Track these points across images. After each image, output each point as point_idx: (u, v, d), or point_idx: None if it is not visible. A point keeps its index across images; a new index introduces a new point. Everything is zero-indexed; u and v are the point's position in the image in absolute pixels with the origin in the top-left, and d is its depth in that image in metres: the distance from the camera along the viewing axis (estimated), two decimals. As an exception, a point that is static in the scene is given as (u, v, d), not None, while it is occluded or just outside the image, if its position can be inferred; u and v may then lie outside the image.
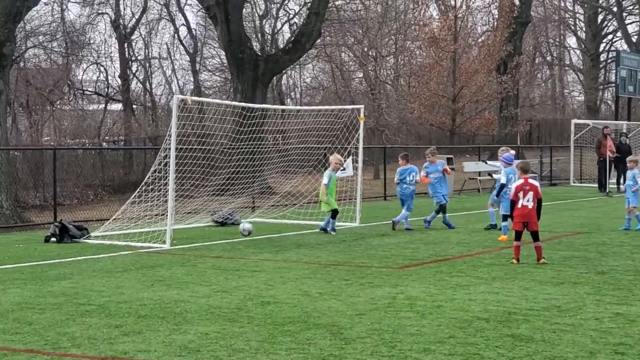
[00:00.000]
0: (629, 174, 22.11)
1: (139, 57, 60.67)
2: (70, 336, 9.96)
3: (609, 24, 76.72)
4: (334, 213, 21.19)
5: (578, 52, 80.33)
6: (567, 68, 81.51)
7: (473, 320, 10.87)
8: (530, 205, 15.68)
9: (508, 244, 18.09)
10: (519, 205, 15.73)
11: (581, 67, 77.77)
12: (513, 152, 21.02)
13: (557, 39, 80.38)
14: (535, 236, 15.86)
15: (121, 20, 57.07)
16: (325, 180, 21.14)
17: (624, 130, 43.75)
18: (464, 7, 50.78)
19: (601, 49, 75.75)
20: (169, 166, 19.21)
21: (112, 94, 57.77)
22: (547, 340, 9.82)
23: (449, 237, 20.28)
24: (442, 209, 22.30)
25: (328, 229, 21.14)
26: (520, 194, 15.75)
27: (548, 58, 79.38)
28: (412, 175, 22.20)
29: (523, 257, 16.36)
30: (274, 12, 57.91)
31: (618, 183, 37.31)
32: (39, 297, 12.44)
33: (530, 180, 15.99)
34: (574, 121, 46.43)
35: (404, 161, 22.52)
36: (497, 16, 54.74)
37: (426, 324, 10.62)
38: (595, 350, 9.37)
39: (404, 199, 22.11)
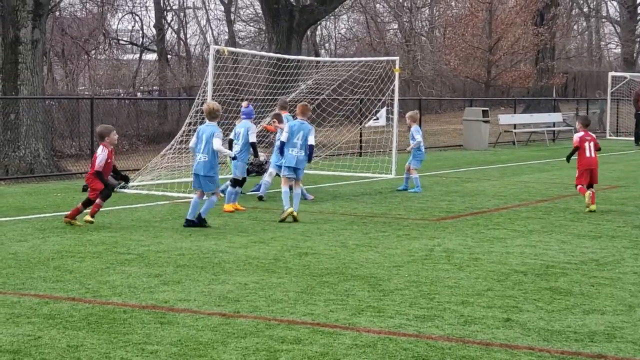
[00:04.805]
0: None
1: (174, 7, 60.52)
2: (110, 285, 10.06)
3: (647, -25, 75.53)
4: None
5: (615, 3, 79.11)
6: (603, 20, 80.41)
7: (511, 273, 10.87)
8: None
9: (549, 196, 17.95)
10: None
11: (618, 18, 76.69)
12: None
13: (594, -10, 79.30)
14: None
15: (156, -31, 56.87)
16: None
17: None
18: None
19: (639, 0, 74.65)
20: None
21: (147, 43, 57.76)
22: (585, 293, 9.81)
23: (485, 190, 20.24)
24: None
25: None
26: None
27: (585, 9, 78.34)
28: None
29: (560, 210, 16.31)
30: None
31: None
32: (79, 246, 12.55)
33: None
34: (611, 74, 45.94)
35: None
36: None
37: (464, 277, 10.64)
38: (634, 304, 9.36)
39: None
